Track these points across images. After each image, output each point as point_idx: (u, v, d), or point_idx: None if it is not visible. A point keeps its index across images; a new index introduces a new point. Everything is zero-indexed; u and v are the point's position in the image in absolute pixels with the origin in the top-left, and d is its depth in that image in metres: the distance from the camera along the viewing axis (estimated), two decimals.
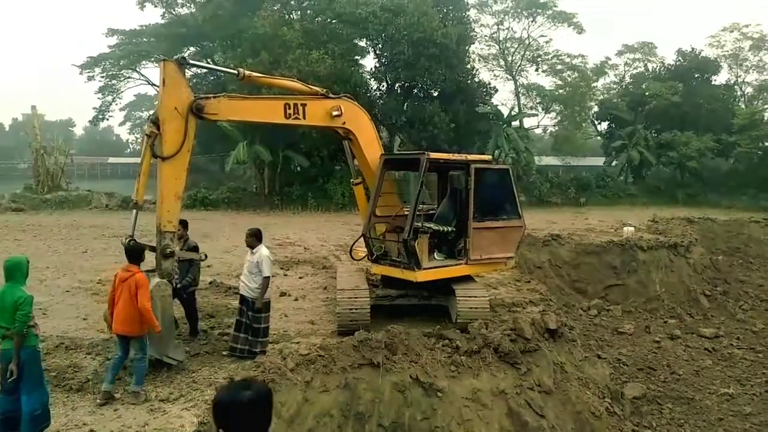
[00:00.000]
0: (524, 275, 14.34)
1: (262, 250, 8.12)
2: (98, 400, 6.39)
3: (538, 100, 46.40)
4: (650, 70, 47.87)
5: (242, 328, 8.11)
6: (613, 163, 45.53)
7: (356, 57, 35.82)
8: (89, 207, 29.84)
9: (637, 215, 27.08)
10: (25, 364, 5.24)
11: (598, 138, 51.77)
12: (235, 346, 8.12)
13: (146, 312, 6.46)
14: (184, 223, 8.43)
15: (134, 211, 7.71)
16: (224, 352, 8.18)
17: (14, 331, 5.17)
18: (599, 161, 49.21)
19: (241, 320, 8.16)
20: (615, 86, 49.60)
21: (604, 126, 48.32)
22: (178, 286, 8.16)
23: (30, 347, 5.34)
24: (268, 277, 7.97)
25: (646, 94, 43.34)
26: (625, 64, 49.24)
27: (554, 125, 49.39)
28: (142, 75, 46.98)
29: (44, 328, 9.12)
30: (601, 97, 48.13)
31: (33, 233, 20.75)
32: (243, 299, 8.19)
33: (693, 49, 45.46)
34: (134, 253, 6.85)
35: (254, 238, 8.25)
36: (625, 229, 19.43)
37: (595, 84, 47.75)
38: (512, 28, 45.15)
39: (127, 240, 7.38)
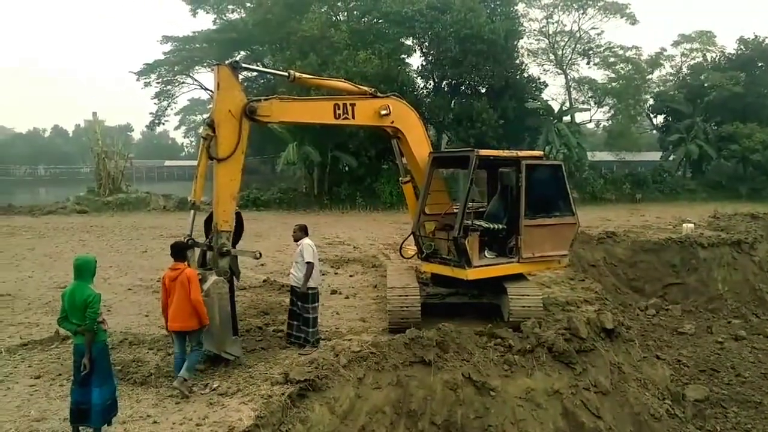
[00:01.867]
0: (578, 274, 14.01)
1: (305, 240, 8.47)
2: (179, 396, 6.64)
3: (590, 94, 45.15)
4: (709, 60, 45.82)
5: (294, 316, 8.51)
6: (671, 158, 43.84)
7: (403, 56, 35.87)
8: (148, 209, 31.07)
9: (697, 211, 26.01)
10: (96, 358, 5.50)
11: (654, 132, 50.00)
12: (290, 332, 8.56)
13: (198, 304, 6.71)
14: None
15: (192, 211, 7.98)
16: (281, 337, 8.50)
17: (85, 327, 5.44)
18: (655, 156, 47.49)
19: (293, 309, 8.55)
20: (671, 78, 47.77)
21: (660, 119, 46.63)
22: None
23: (100, 342, 5.61)
24: (311, 263, 8.22)
25: (705, 85, 41.56)
26: (682, 54, 47.36)
27: (607, 120, 47.98)
28: (195, 80, 48.59)
29: (108, 324, 9.57)
30: (657, 89, 46.42)
31: (96, 234, 21.76)
32: (293, 290, 8.56)
33: (756, 36, 43.35)
34: (179, 250, 7.09)
35: (301, 231, 8.61)
36: (684, 225, 18.71)
37: (650, 76, 46.15)
38: (562, 22, 44.17)
39: (186, 239, 7.66)
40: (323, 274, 13.88)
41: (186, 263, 7.02)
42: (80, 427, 5.62)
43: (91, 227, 23.75)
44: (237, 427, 5.84)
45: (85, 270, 5.59)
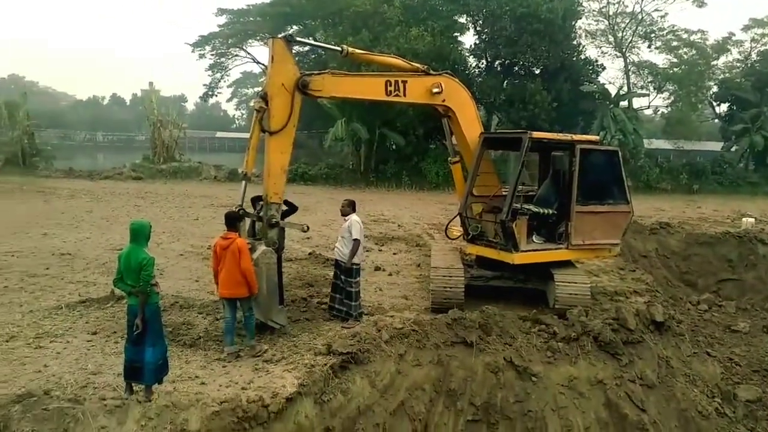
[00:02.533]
0: (628, 264, 13.63)
1: (353, 217, 8.50)
2: (227, 360, 6.89)
3: (649, 79, 43.18)
4: None
5: (338, 289, 8.60)
6: (733, 149, 41.73)
7: (456, 34, 35.24)
8: (199, 178, 31.87)
9: (759, 206, 24.84)
10: (148, 319, 5.73)
11: (716, 121, 47.63)
12: (333, 305, 8.70)
13: (249, 273, 6.91)
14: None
15: (243, 182, 8.11)
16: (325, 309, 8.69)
17: (139, 289, 5.65)
18: (716, 146, 45.32)
19: (336, 283, 8.65)
20: (739, 64, 45.11)
21: (723, 108, 44.30)
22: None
23: (153, 304, 5.83)
24: (358, 240, 8.30)
25: None
26: (752, 39, 44.54)
27: (667, 106, 45.86)
28: (248, 53, 49.04)
29: (161, 287, 9.91)
30: (722, 76, 44.04)
31: (150, 200, 22.52)
32: (337, 264, 8.66)
33: None
34: (232, 220, 7.25)
35: (350, 207, 8.64)
36: (744, 219, 17.91)
37: (715, 62, 43.75)
38: (623, 2, 42.20)
39: (237, 209, 7.82)
40: (367, 251, 14.01)
41: (237, 233, 7.17)
42: (133, 384, 5.87)
43: (146, 193, 24.58)
44: (281, 393, 6.00)
45: (140, 234, 5.78)
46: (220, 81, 49.83)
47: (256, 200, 8.21)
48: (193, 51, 46.52)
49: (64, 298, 9.15)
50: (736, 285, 15.48)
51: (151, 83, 38.66)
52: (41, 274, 10.61)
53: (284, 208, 8.16)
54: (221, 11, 45.74)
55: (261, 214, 8.00)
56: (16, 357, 6.73)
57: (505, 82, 34.59)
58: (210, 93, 51.05)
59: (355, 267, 8.43)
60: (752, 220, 17.96)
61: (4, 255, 11.96)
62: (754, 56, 44.26)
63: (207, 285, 9.92)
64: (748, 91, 39.69)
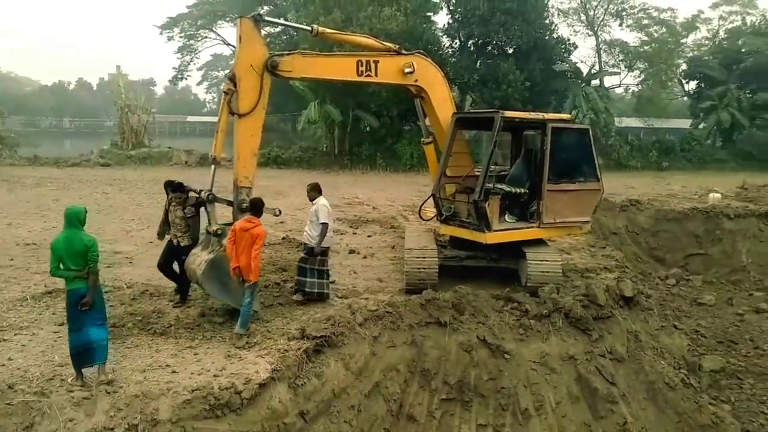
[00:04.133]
0: (599, 241, 13.86)
1: (320, 200, 8.45)
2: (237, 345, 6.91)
3: (620, 58, 43.54)
4: (749, 24, 43.80)
5: (306, 273, 8.46)
6: (701, 126, 42.55)
7: (429, 13, 34.90)
8: (170, 163, 31.29)
9: (725, 182, 25.37)
10: (96, 300, 5.76)
11: (685, 98, 48.44)
12: (303, 289, 8.52)
13: (255, 259, 7.07)
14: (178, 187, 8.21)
15: (213, 166, 7.97)
16: (294, 297, 8.60)
17: (92, 269, 5.68)
18: (685, 123, 46.12)
19: (303, 266, 8.52)
20: (707, 42, 45.85)
21: (692, 86, 45.06)
22: (182, 244, 8.11)
23: (98, 286, 5.86)
24: (325, 223, 8.27)
25: (743, 50, 39.93)
26: (720, 17, 45.29)
27: (637, 84, 46.41)
28: (218, 35, 48.12)
29: (130, 276, 9.82)
30: (691, 54, 44.74)
31: (119, 187, 22.03)
32: (306, 247, 8.62)
33: None
34: (256, 206, 7.42)
35: (315, 191, 8.58)
36: (710, 195, 18.31)
37: (684, 40, 44.37)
38: None
39: (206, 194, 7.70)
40: (341, 234, 13.97)
41: (259, 220, 7.36)
42: (83, 369, 5.83)
43: (114, 180, 24.04)
44: (253, 379, 5.97)
45: (75, 219, 5.80)
46: (189, 64, 48.92)
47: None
48: (161, 33, 45.47)
49: (30, 289, 8.92)
50: (702, 259, 15.92)
51: (118, 67, 37.55)
52: (5, 265, 10.33)
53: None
54: None
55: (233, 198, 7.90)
56: None
57: (479, 61, 34.51)
58: (179, 76, 50.09)
59: (323, 250, 8.39)
60: (718, 195, 18.37)
61: None
62: (722, 34, 45.04)
63: None
64: (716, 69, 40.39)
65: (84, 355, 5.75)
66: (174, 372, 6.11)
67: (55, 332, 7.17)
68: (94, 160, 30.59)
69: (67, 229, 5.76)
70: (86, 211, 5.96)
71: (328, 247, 8.72)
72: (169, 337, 7.15)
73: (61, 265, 5.65)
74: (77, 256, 5.63)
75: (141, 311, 7.86)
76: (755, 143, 41.51)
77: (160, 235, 8.45)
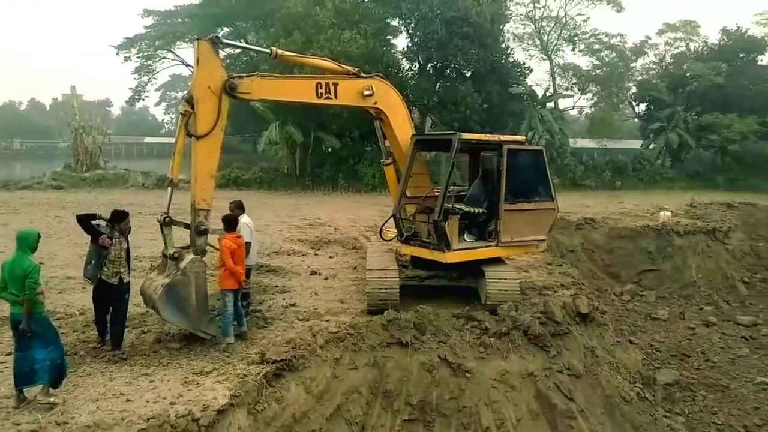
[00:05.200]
0: (556, 259, 14.17)
1: (243, 218, 8.45)
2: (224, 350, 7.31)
3: (574, 81, 45.25)
4: (692, 49, 46.17)
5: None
6: (651, 146, 44.32)
7: (388, 37, 35.53)
8: (126, 185, 30.61)
9: (675, 200, 26.42)
10: (35, 330, 5.63)
11: (636, 120, 50.40)
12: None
13: (227, 267, 7.51)
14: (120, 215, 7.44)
15: (169, 188, 7.86)
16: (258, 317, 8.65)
17: (26, 297, 5.55)
18: (636, 144, 47.95)
19: None
20: (654, 66, 48.02)
21: (642, 108, 47.02)
22: (125, 281, 7.40)
23: (38, 313, 5.71)
24: (249, 242, 8.26)
25: (688, 74, 41.93)
26: (666, 43, 47.58)
27: (590, 107, 48.14)
28: (177, 55, 47.51)
29: (83, 302, 9.48)
30: (640, 77, 46.72)
31: (72, 210, 21.32)
32: None
33: (738, 27, 43.75)
34: (232, 222, 7.88)
35: (238, 209, 8.58)
36: (661, 213, 18.99)
37: (633, 64, 46.38)
38: (548, 6, 44.04)
39: (163, 217, 7.57)
40: (303, 256, 13.90)
41: (238, 233, 7.80)
42: (24, 390, 5.73)
43: (68, 203, 23.31)
44: (212, 405, 5.83)
45: (24, 242, 5.73)
46: (147, 84, 48.04)
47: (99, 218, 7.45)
48: (117, 53, 44.66)
49: None
50: (655, 275, 16.44)
51: (72, 87, 36.57)
52: None
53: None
54: (147, 12, 44.13)
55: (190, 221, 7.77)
56: None
57: (438, 84, 35.19)
58: (137, 97, 49.10)
59: (248, 269, 8.32)
60: (669, 213, 19.06)
61: None
62: (668, 59, 47.19)
63: (133, 297, 9.49)
64: (663, 92, 42.25)
65: (25, 376, 5.65)
66: (128, 400, 5.92)
67: (1, 362, 6.86)
68: (47, 183, 29.69)
69: (16, 252, 5.68)
70: (39, 236, 5.85)
71: (252, 266, 8.84)
72: (123, 365, 6.93)
73: (7, 288, 5.58)
74: (18, 280, 5.55)
75: (94, 338, 7.60)
76: (701, 162, 43.50)
77: (93, 278, 7.27)
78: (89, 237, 7.30)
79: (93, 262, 7.23)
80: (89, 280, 7.37)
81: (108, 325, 7.37)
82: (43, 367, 5.64)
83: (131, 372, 6.70)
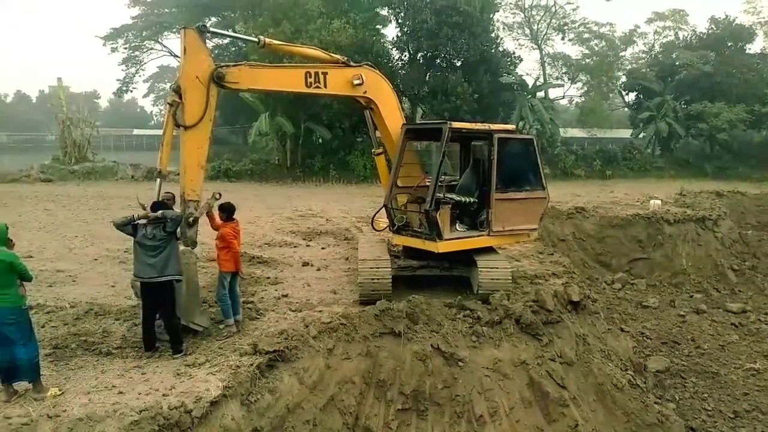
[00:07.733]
0: (547, 248, 14.21)
1: None
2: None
3: (564, 70, 45.24)
4: (681, 38, 46.30)
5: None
6: (641, 135, 44.54)
7: (378, 26, 35.34)
8: (115, 178, 30.35)
9: (665, 188, 26.57)
10: (17, 321, 5.64)
11: (626, 109, 50.57)
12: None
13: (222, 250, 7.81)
14: None
15: (158, 180, 7.78)
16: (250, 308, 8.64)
17: (27, 278, 5.78)
18: (626, 133, 48.15)
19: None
20: (644, 55, 48.16)
21: (631, 97, 47.15)
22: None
23: (16, 307, 5.68)
24: None
25: (676, 63, 42.09)
26: (655, 32, 47.67)
27: (580, 96, 48.22)
28: (165, 46, 47.14)
29: (74, 294, 9.43)
30: (629, 66, 46.80)
31: (62, 203, 21.19)
32: None
33: (727, 16, 43.94)
34: (230, 209, 8.09)
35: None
36: (651, 202, 19.06)
37: (623, 53, 46.49)
38: None
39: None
40: (294, 247, 13.86)
41: (236, 221, 8.09)
42: (14, 385, 5.77)
43: (57, 196, 23.09)
44: (204, 397, 5.82)
45: None
46: (135, 76, 47.61)
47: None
48: (104, 44, 44.15)
49: None
50: (646, 263, 16.54)
51: (59, 79, 36.14)
52: None
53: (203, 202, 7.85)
54: (134, 2, 43.62)
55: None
56: None
57: (428, 74, 35.06)
58: (125, 89, 48.71)
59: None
60: (659, 201, 19.14)
61: None
62: (657, 48, 47.30)
63: (124, 290, 9.45)
64: (653, 81, 42.36)
65: (9, 372, 5.70)
66: (121, 393, 5.89)
67: None
68: (35, 176, 29.36)
69: None
70: (7, 227, 5.83)
71: None
72: (115, 358, 6.91)
73: None
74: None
75: (85, 331, 7.56)
76: (691, 151, 43.76)
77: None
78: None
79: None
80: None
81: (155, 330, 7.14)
82: (28, 366, 5.71)
83: (123, 365, 6.67)
